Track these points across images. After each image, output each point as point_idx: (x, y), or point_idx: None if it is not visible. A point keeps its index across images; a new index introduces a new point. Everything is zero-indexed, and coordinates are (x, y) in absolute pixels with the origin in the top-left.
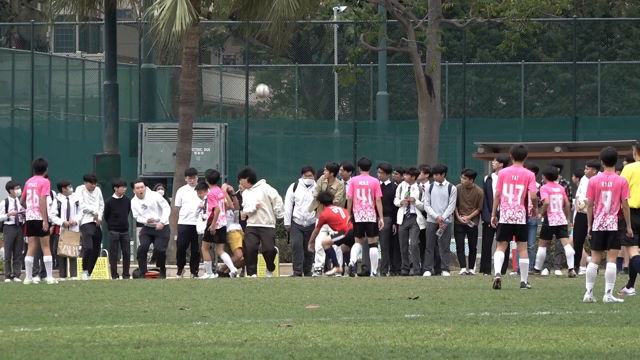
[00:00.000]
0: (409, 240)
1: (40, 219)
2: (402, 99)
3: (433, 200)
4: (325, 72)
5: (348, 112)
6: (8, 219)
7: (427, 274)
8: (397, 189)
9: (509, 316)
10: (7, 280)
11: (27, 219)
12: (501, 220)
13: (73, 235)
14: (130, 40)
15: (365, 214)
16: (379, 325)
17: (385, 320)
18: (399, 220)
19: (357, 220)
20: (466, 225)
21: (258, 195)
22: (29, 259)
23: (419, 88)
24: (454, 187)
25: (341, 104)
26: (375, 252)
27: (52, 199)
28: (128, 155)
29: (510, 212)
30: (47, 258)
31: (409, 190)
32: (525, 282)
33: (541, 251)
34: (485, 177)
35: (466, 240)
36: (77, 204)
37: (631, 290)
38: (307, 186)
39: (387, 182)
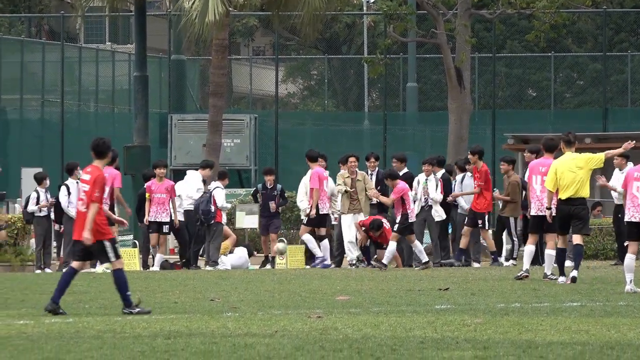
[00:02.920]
0: (430, 235)
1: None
2: (431, 91)
3: (464, 191)
4: (354, 63)
5: (378, 104)
6: (40, 211)
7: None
8: (415, 182)
9: (540, 307)
10: (38, 271)
11: None
12: (532, 212)
13: None
14: (160, 31)
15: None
16: (409, 316)
17: (415, 311)
18: (415, 211)
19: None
20: (502, 216)
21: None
22: None
23: (448, 79)
24: None
25: (371, 96)
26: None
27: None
28: (158, 146)
29: (539, 203)
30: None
31: (426, 182)
32: (548, 273)
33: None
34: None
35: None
36: None
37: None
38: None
39: (402, 172)
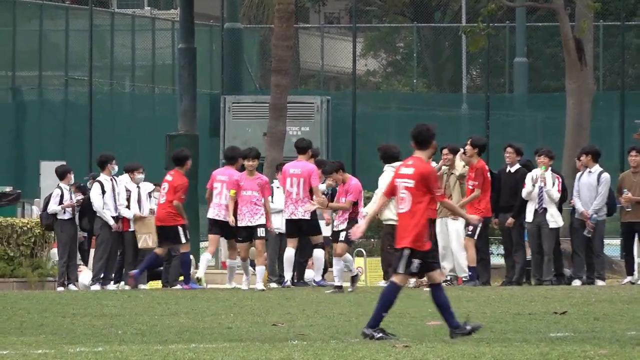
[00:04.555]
0: (544, 244)
1: (226, 219)
2: (545, 68)
3: (581, 191)
4: (450, 33)
5: (478, 84)
6: (64, 212)
7: (576, 283)
8: (528, 178)
9: None
10: (61, 288)
11: (209, 216)
12: None
13: (150, 223)
14: None
15: (296, 209)
16: (517, 346)
17: (525, 340)
18: (529, 217)
19: (289, 217)
20: (633, 222)
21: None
22: (230, 262)
23: (566, 54)
24: (604, 175)
25: (470, 74)
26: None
27: (118, 185)
28: (208, 135)
29: None
30: (232, 262)
31: (545, 167)
32: None
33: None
34: None
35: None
36: (149, 194)
37: None
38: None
39: (514, 168)
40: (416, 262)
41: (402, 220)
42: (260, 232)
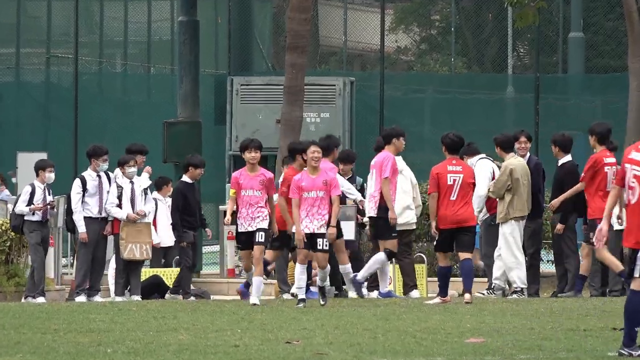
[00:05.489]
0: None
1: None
2: (604, 44)
3: None
4: (494, 5)
5: (527, 62)
6: (33, 214)
7: None
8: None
9: None
10: (41, 299)
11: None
12: None
13: (142, 229)
14: None
15: (375, 205)
16: None
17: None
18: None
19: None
20: None
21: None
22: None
23: (629, 28)
24: None
25: (517, 51)
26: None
27: (110, 183)
28: (212, 122)
29: None
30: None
31: None
32: None
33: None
34: None
35: None
36: (145, 191)
37: None
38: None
39: (562, 161)
40: None
41: (631, 214)
42: (259, 237)
